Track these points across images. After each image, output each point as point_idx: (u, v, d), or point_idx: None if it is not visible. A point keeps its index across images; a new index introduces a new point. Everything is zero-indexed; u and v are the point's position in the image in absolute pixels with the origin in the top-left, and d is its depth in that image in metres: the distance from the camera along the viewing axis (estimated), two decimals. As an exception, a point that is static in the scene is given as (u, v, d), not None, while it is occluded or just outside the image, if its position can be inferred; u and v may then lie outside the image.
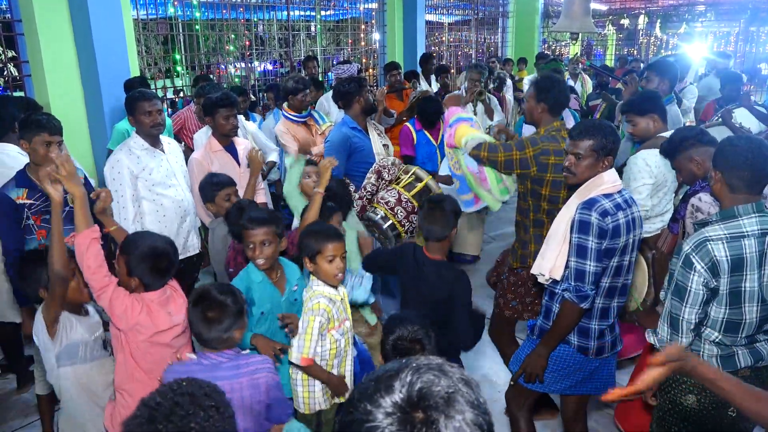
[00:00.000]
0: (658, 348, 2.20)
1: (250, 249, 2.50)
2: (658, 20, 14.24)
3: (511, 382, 2.66)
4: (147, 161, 3.35)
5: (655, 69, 4.35)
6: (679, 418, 2.29)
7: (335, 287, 2.52)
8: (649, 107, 3.41)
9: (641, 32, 14.68)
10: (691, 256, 2.05)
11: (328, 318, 2.47)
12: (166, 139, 3.58)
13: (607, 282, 2.39)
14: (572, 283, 2.33)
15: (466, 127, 3.16)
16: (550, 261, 2.42)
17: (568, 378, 2.54)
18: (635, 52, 14.78)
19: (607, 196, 2.34)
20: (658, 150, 3.29)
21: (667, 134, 3.39)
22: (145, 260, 2.28)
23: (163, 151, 3.46)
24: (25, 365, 3.53)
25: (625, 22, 14.67)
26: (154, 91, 4.37)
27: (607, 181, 2.35)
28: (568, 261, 2.36)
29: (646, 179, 3.29)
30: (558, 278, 2.40)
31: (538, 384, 2.54)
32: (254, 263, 2.52)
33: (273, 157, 4.54)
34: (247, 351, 2.20)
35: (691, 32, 14.74)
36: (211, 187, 3.18)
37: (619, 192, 2.38)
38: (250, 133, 4.53)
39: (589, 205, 2.30)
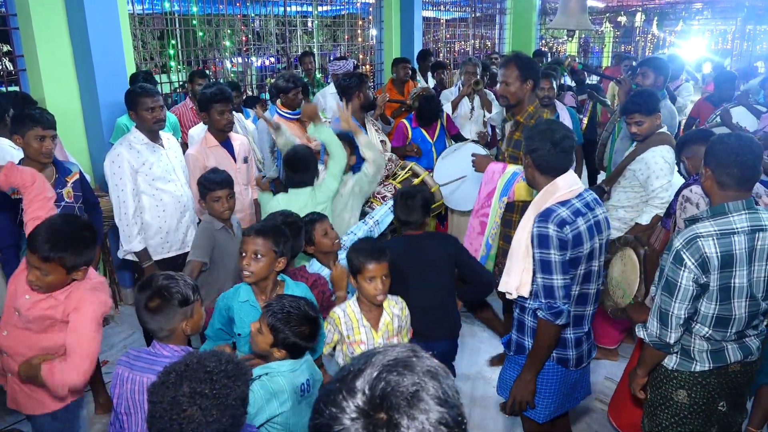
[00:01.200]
0: (648, 342, 2.21)
1: (241, 257, 2.40)
2: (655, 18, 14.23)
3: (506, 413, 2.66)
4: (147, 156, 3.36)
5: (650, 65, 4.37)
6: (670, 413, 2.31)
7: (377, 306, 2.51)
8: (655, 106, 3.44)
9: (638, 30, 14.68)
10: (682, 252, 2.06)
11: (336, 328, 2.52)
12: (165, 135, 3.59)
13: (577, 289, 2.31)
14: (543, 301, 2.22)
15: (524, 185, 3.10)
16: (516, 278, 2.32)
17: (555, 398, 2.44)
18: (632, 49, 14.77)
19: (563, 203, 2.23)
20: (668, 146, 3.32)
21: (664, 129, 3.42)
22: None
23: (163, 146, 3.47)
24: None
25: (623, 19, 14.66)
26: (155, 87, 4.37)
27: (562, 186, 2.26)
28: (534, 277, 2.26)
29: (669, 176, 3.32)
30: (526, 295, 2.30)
31: (538, 413, 2.43)
32: (242, 274, 2.43)
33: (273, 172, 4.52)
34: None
35: (688, 30, 14.76)
36: (206, 183, 3.10)
37: (579, 196, 2.29)
38: (249, 133, 4.51)
39: (545, 216, 2.20)
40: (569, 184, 2.28)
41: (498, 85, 3.30)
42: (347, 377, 0.87)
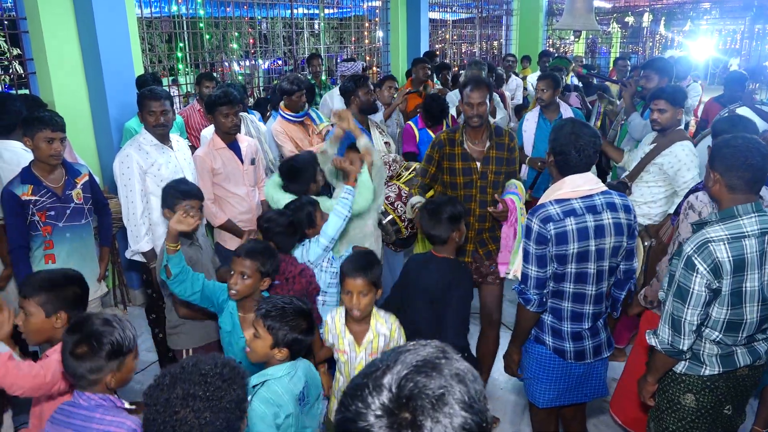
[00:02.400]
0: (659, 350, 2.18)
1: (230, 275, 2.45)
2: (663, 18, 14.17)
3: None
4: (156, 157, 3.39)
5: (653, 67, 4.37)
6: (677, 417, 2.29)
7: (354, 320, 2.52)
8: (681, 100, 3.47)
9: (646, 30, 14.62)
10: (693, 258, 2.03)
11: (328, 331, 2.58)
12: (174, 137, 3.63)
13: (570, 287, 2.35)
14: (520, 286, 2.40)
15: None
16: (518, 261, 2.51)
17: (554, 385, 2.50)
18: (639, 50, 14.72)
19: (559, 201, 2.28)
20: (689, 142, 3.35)
21: (681, 128, 3.45)
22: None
23: (172, 148, 3.50)
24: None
25: (630, 19, 14.61)
26: (165, 89, 4.41)
27: (568, 185, 2.31)
28: None
29: (698, 168, 3.34)
30: (519, 277, 2.46)
31: (539, 397, 2.54)
32: (228, 291, 2.47)
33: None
34: (126, 404, 1.83)
35: (696, 30, 14.68)
36: (175, 193, 2.89)
37: (588, 197, 2.29)
38: (262, 134, 4.51)
39: (534, 210, 2.32)
40: (576, 185, 2.30)
41: (471, 105, 3.19)
42: (375, 373, 0.87)
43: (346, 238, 3.40)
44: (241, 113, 4.25)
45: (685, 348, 2.12)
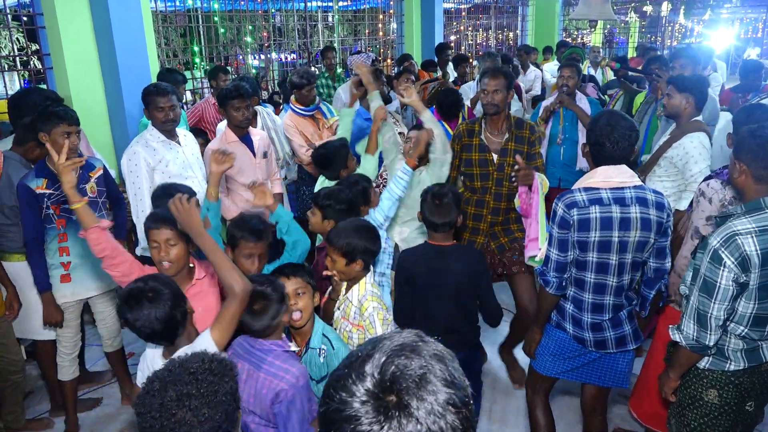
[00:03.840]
0: (684, 345, 2.14)
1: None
2: (682, 6, 13.94)
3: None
4: (164, 153, 3.39)
5: (684, 56, 4.26)
6: (699, 413, 2.25)
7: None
8: (689, 86, 3.39)
9: (665, 19, 14.38)
10: (720, 252, 1.98)
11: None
12: (182, 132, 3.62)
13: (591, 277, 2.37)
14: (542, 267, 2.47)
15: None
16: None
17: (567, 361, 2.57)
18: (659, 39, 14.50)
19: (587, 189, 2.31)
20: (705, 133, 3.28)
21: (699, 118, 3.36)
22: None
23: (179, 144, 3.50)
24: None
25: (648, 8, 14.40)
26: (172, 85, 4.42)
27: (599, 175, 2.33)
28: None
29: (708, 161, 3.28)
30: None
31: (540, 364, 2.63)
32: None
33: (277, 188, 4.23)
34: (293, 347, 2.15)
35: (716, 19, 14.43)
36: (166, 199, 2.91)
37: (618, 189, 2.30)
38: (278, 126, 4.47)
39: (561, 195, 2.36)
40: (607, 175, 2.32)
41: (486, 93, 3.25)
42: (355, 363, 0.89)
43: (395, 220, 3.37)
44: (257, 106, 4.27)
45: (711, 344, 2.07)
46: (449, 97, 4.69)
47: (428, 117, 3.35)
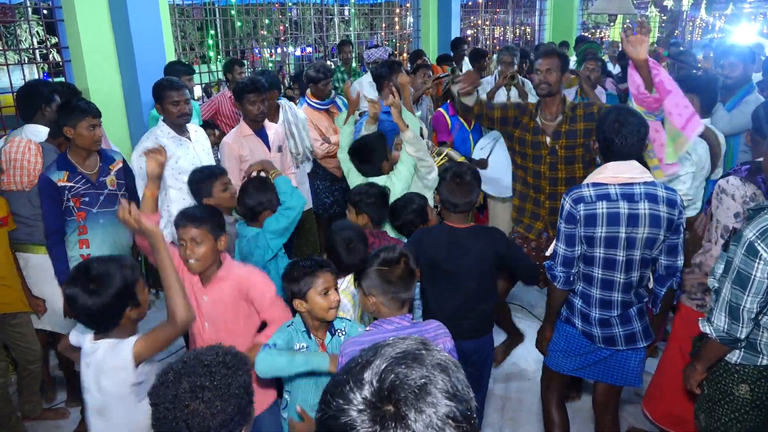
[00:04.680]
0: (714, 338, 2.11)
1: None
2: (704, 1, 13.73)
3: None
4: (174, 149, 3.36)
5: (735, 54, 4.04)
6: (730, 408, 2.22)
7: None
8: (694, 86, 3.28)
9: (686, 14, 14.17)
10: (756, 244, 1.95)
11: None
12: (192, 127, 3.61)
13: (599, 273, 2.38)
14: (550, 262, 2.47)
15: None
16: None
17: (578, 358, 2.56)
18: (678, 33, 14.28)
19: (596, 185, 2.32)
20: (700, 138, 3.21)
21: (705, 121, 3.27)
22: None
23: (190, 139, 3.49)
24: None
25: (669, 3, 14.19)
26: (192, 73, 4.44)
27: (609, 170, 2.34)
28: None
29: (688, 167, 3.21)
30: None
31: (552, 360, 2.63)
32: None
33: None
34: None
35: (739, 13, 14.18)
36: (204, 180, 2.93)
37: (627, 185, 2.30)
38: (300, 121, 4.36)
39: (570, 190, 2.38)
40: (616, 171, 2.32)
41: (539, 72, 3.22)
42: (355, 369, 0.86)
43: None
44: (279, 100, 4.26)
45: (742, 336, 2.05)
46: None
47: (409, 136, 3.27)
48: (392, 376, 0.82)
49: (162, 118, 3.42)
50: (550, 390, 2.74)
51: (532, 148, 3.31)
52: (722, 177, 2.68)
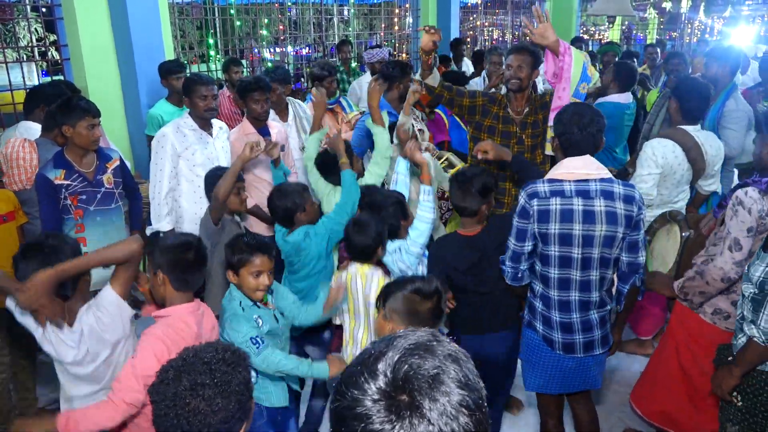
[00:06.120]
0: (760, 342, 2.06)
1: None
2: (702, 3, 13.76)
3: None
4: (192, 142, 3.45)
5: (708, 55, 4.16)
6: None
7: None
8: (676, 91, 3.39)
9: (684, 16, 14.19)
10: None
11: None
12: (218, 124, 3.67)
13: (555, 272, 2.35)
14: (503, 256, 2.49)
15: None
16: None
17: (542, 372, 2.50)
18: (676, 35, 14.32)
19: (552, 181, 2.31)
20: (670, 140, 3.22)
21: (688, 128, 3.28)
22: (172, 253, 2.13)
23: (211, 135, 3.55)
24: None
25: (668, 5, 14.23)
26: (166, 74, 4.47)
27: (565, 167, 2.33)
28: None
29: (652, 168, 3.25)
30: None
31: (529, 382, 2.57)
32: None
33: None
34: None
35: (737, 16, 14.20)
36: (218, 180, 2.93)
37: (582, 181, 2.27)
38: (308, 118, 4.29)
39: (526, 184, 2.37)
40: (572, 167, 2.31)
41: (509, 67, 3.34)
42: (368, 360, 0.88)
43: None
44: (288, 97, 4.25)
45: None
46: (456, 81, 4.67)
47: (383, 142, 3.27)
48: (406, 366, 0.84)
49: (188, 111, 3.52)
50: (547, 416, 2.67)
51: (501, 137, 3.39)
52: (740, 186, 2.59)
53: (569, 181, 2.29)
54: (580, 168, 2.30)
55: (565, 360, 2.45)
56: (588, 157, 2.32)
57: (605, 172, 2.32)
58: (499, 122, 3.41)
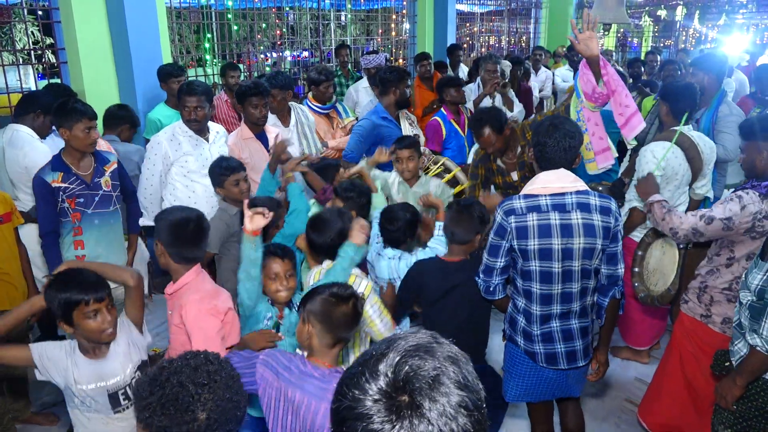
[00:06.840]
0: (763, 350, 2.06)
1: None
2: (697, 11, 13.85)
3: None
4: (187, 148, 3.52)
5: (693, 63, 4.24)
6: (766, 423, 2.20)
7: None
8: (662, 93, 3.45)
9: (679, 24, 14.29)
10: None
11: None
12: (215, 127, 3.70)
13: (537, 288, 2.31)
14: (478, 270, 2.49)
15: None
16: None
17: (522, 382, 2.48)
18: (671, 43, 14.40)
19: (527, 196, 2.28)
20: (667, 142, 3.23)
21: (678, 128, 3.31)
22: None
23: (207, 140, 3.59)
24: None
25: (662, 13, 14.33)
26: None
27: (540, 181, 2.30)
28: None
29: (655, 173, 3.24)
30: None
31: (509, 393, 2.53)
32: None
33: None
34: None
35: (731, 24, 14.30)
36: (221, 171, 3.12)
37: (558, 195, 2.26)
38: (311, 122, 4.32)
39: (502, 202, 2.36)
40: (546, 181, 2.29)
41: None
42: (369, 361, 0.89)
43: None
44: (291, 102, 4.25)
45: None
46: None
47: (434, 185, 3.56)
48: (406, 367, 0.86)
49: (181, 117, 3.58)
50: (532, 417, 2.66)
51: (503, 188, 3.59)
52: (741, 188, 2.61)
53: (545, 195, 2.27)
54: (555, 182, 2.28)
55: (545, 371, 2.43)
56: (563, 170, 2.30)
57: (581, 185, 2.30)
58: (496, 175, 3.59)
